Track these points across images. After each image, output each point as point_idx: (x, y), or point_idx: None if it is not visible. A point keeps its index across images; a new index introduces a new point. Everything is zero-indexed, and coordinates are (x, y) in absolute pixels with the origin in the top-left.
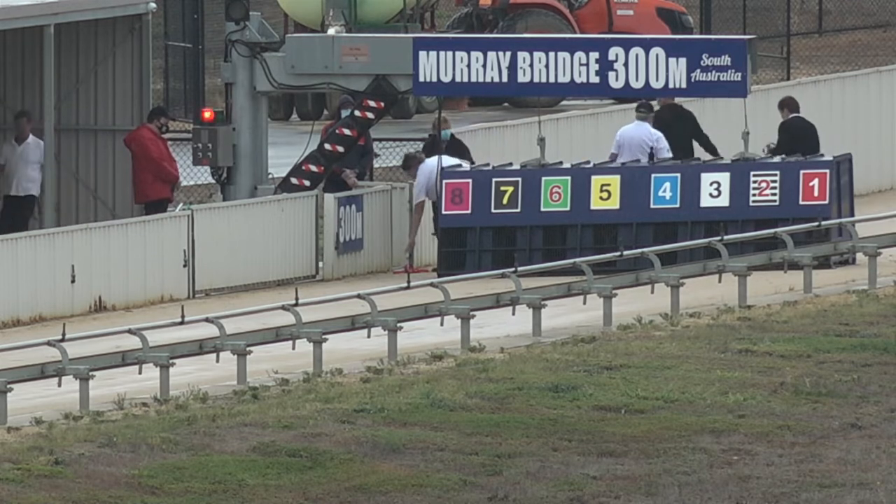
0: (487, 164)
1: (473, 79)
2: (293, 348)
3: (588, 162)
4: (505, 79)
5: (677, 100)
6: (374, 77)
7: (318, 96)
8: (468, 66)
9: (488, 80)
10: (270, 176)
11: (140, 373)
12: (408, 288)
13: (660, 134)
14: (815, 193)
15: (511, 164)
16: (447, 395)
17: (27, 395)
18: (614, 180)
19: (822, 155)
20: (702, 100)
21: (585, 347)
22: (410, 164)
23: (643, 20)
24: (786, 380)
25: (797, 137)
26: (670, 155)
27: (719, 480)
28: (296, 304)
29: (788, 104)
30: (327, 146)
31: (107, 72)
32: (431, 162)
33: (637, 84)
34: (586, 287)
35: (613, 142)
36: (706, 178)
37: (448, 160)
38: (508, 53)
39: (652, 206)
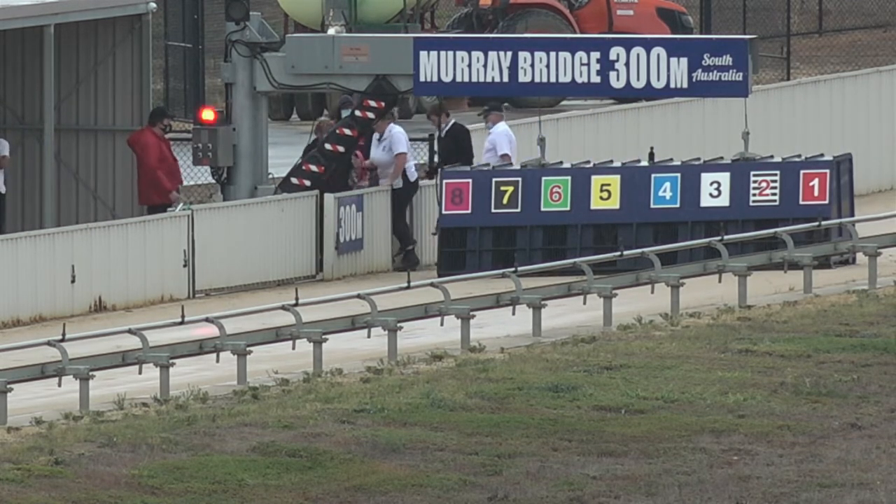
0: (487, 164)
1: (474, 79)
2: (293, 348)
3: (588, 162)
4: (506, 79)
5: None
6: (375, 77)
7: (318, 96)
8: (469, 65)
9: (489, 80)
10: (270, 176)
11: (140, 373)
12: (408, 288)
13: None
14: (815, 193)
15: (511, 163)
16: (447, 395)
17: (27, 395)
18: (614, 180)
19: (822, 154)
20: (702, 99)
21: (585, 347)
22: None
23: (643, 20)
24: (786, 380)
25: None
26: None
27: (719, 480)
28: (296, 304)
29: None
30: (328, 146)
31: (107, 72)
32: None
33: (638, 84)
34: (586, 287)
35: (499, 143)
36: (706, 178)
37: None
38: (509, 53)
39: (652, 206)
